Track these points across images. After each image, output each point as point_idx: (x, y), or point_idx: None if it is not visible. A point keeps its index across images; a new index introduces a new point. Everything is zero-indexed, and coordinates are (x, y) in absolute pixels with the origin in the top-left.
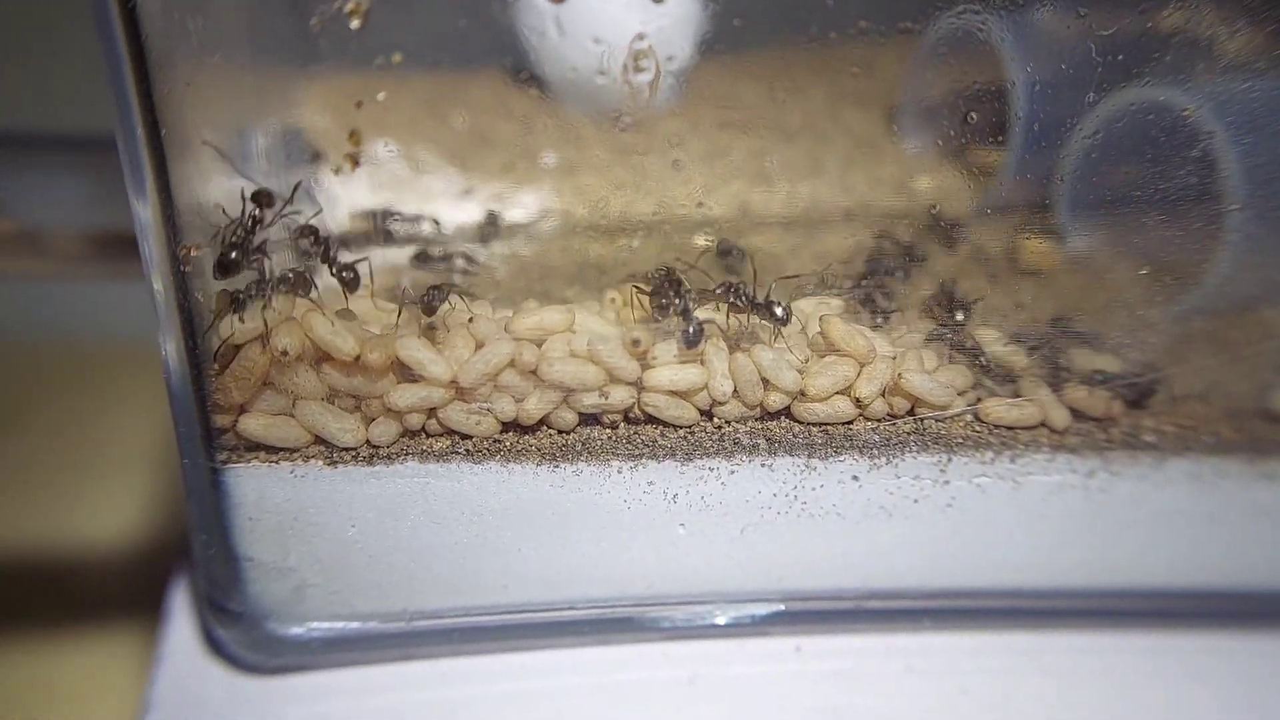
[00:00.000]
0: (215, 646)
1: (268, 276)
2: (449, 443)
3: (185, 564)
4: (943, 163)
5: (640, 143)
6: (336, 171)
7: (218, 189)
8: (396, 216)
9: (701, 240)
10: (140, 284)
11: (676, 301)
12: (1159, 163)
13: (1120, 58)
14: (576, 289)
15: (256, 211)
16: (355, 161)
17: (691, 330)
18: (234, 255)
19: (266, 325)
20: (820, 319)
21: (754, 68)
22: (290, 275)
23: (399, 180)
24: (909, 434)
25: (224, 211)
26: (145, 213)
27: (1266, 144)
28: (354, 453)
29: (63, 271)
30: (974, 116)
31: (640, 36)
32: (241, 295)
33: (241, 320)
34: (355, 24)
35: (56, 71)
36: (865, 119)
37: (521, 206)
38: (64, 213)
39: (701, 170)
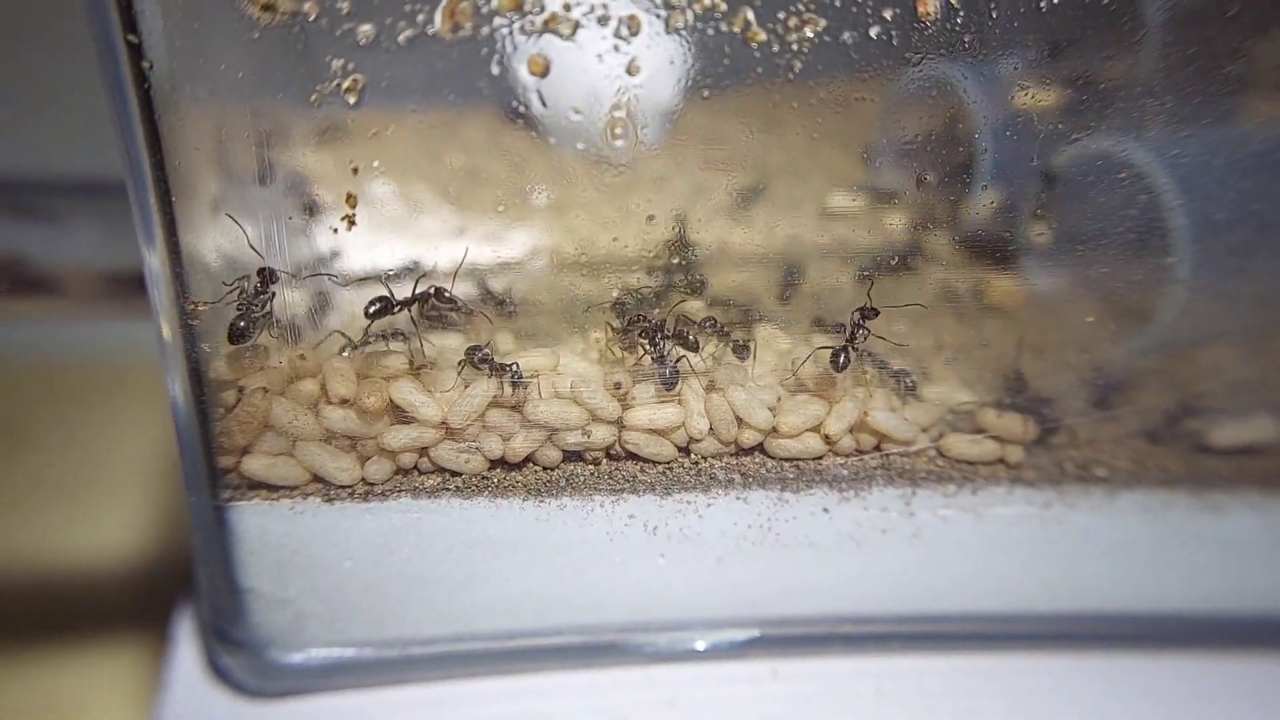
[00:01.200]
0: (219, 672)
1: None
2: (440, 479)
3: (189, 593)
4: (912, 201)
5: (625, 184)
6: (335, 231)
7: (223, 241)
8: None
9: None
10: (147, 320)
11: (650, 346)
12: (1108, 212)
13: (1065, 118)
14: (564, 325)
15: (261, 285)
16: (352, 222)
17: (668, 372)
18: (243, 324)
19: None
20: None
21: (736, 107)
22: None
23: (395, 221)
24: (876, 469)
25: (224, 283)
26: (155, 262)
27: (1205, 195)
28: (350, 490)
29: (74, 313)
30: (928, 177)
31: (617, 106)
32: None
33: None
34: (352, 100)
35: (65, 115)
36: (843, 158)
37: (511, 244)
38: (75, 255)
39: (683, 208)
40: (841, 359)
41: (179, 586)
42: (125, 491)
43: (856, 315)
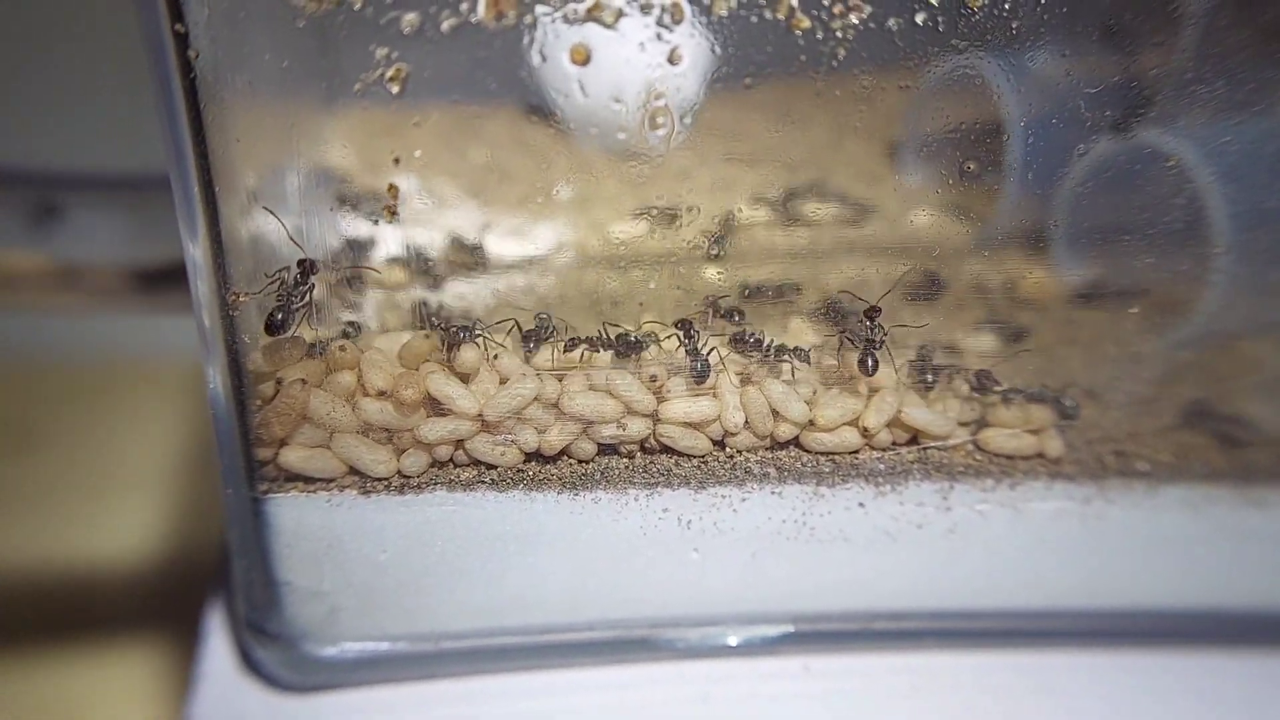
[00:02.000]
0: (253, 666)
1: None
2: (475, 472)
3: (219, 588)
4: (941, 200)
5: (652, 176)
6: (375, 222)
7: (263, 231)
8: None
9: (712, 274)
10: (171, 316)
11: (684, 339)
12: (1149, 206)
13: (1108, 108)
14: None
15: (301, 277)
16: (393, 212)
17: (699, 366)
18: (281, 316)
19: (328, 364)
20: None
21: (760, 100)
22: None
23: (420, 215)
24: (912, 463)
25: (265, 274)
26: (197, 253)
27: (1248, 190)
28: (386, 483)
29: (99, 306)
30: (971, 166)
31: (658, 95)
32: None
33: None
34: (395, 89)
35: (91, 113)
36: (867, 153)
37: (538, 239)
38: (100, 249)
39: (708, 204)
40: (870, 362)
41: (202, 582)
42: (144, 489)
43: (864, 317)
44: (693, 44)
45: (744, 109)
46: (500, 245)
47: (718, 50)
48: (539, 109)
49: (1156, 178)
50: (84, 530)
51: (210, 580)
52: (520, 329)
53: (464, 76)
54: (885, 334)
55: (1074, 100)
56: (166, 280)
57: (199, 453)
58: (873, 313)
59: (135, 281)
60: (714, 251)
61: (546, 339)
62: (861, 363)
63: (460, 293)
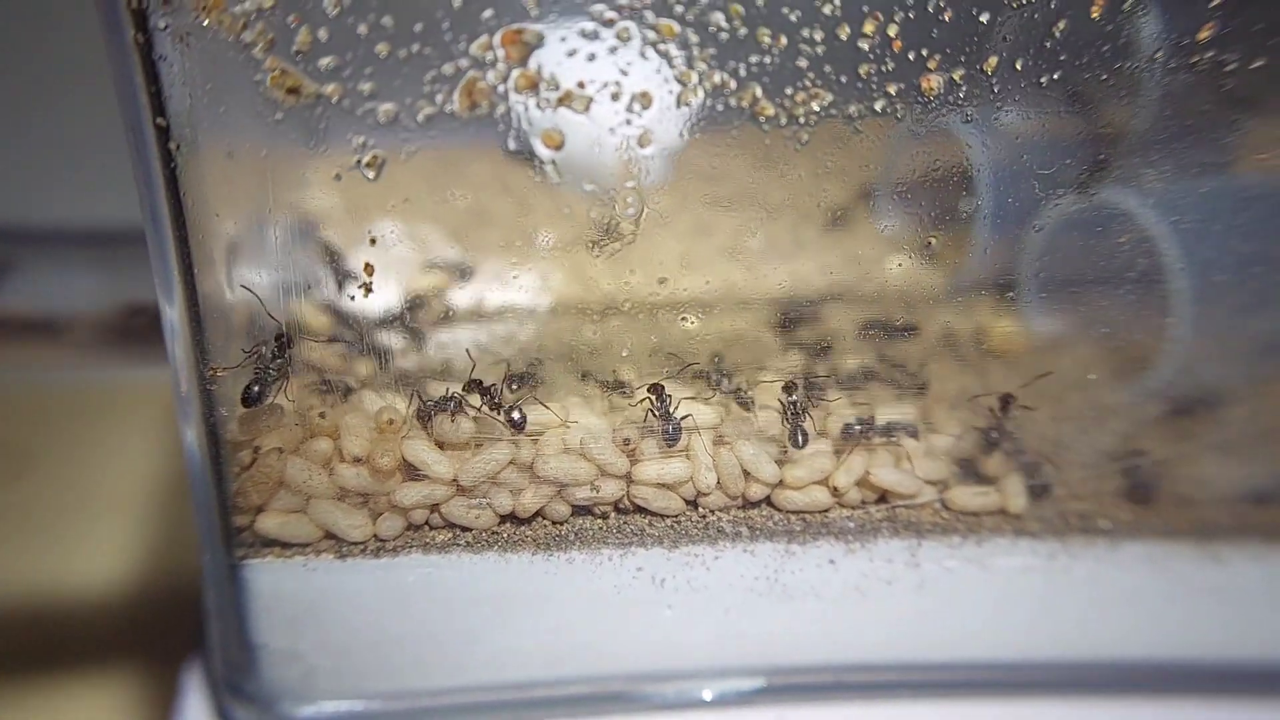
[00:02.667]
0: None
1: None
2: (450, 535)
3: (198, 645)
4: (912, 246)
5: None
6: (352, 299)
7: (241, 302)
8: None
9: (689, 324)
10: (143, 368)
11: (655, 402)
12: (1108, 263)
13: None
14: (569, 371)
15: (278, 350)
16: (369, 290)
17: (671, 429)
18: (257, 389)
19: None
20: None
21: (740, 143)
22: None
23: (404, 261)
24: (881, 521)
25: (242, 349)
26: (174, 317)
27: (1204, 256)
28: (362, 546)
29: (76, 360)
30: (932, 241)
31: (628, 177)
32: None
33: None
34: (371, 174)
35: (71, 165)
36: (844, 198)
37: (517, 288)
38: (79, 302)
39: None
40: (800, 439)
41: (183, 619)
42: (126, 514)
43: (786, 395)
44: (661, 129)
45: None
46: (481, 293)
47: (685, 135)
48: (519, 155)
49: (1116, 236)
50: (62, 556)
51: (190, 622)
52: (508, 373)
53: (440, 159)
54: (810, 405)
55: (1030, 175)
56: (136, 334)
57: (182, 479)
58: (791, 387)
59: (103, 334)
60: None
61: (535, 385)
62: (792, 438)
63: (441, 342)
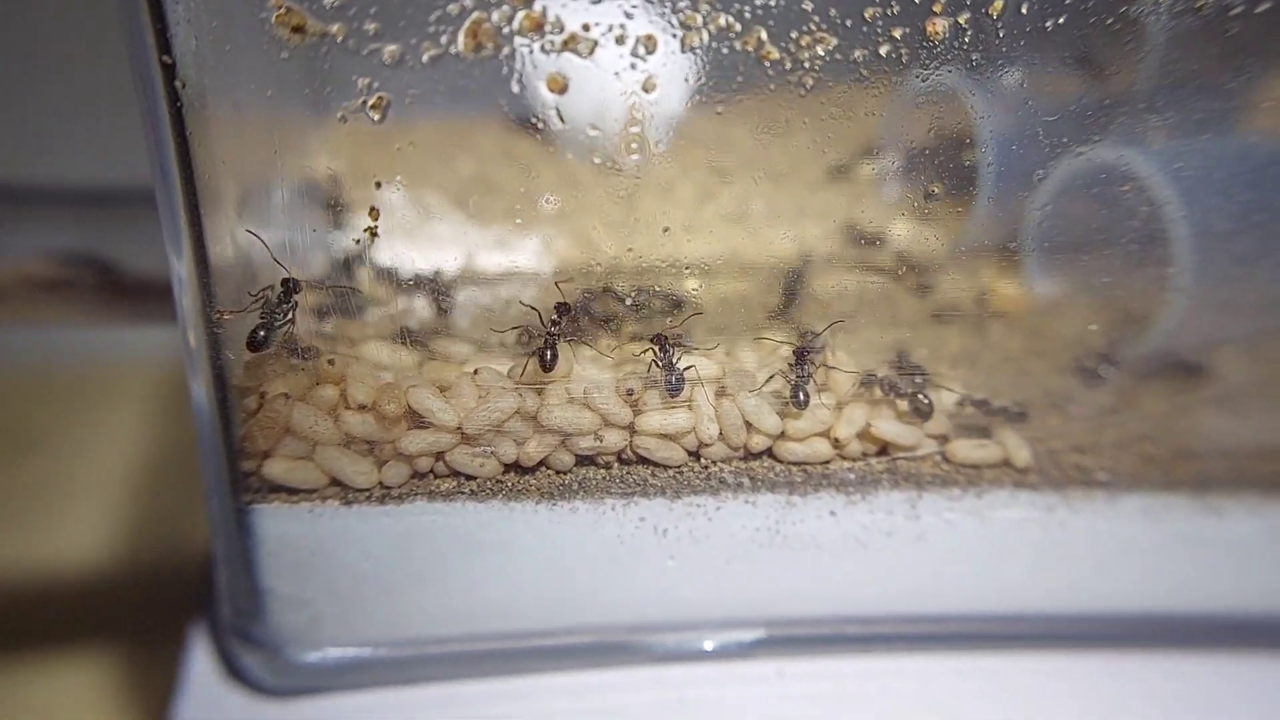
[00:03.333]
0: (237, 671)
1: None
2: (455, 483)
3: (204, 594)
4: (915, 211)
5: (635, 190)
6: (357, 243)
7: (248, 249)
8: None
9: (692, 285)
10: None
11: (659, 353)
12: (1109, 223)
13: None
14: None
15: (284, 295)
16: (374, 234)
17: (674, 380)
18: (263, 334)
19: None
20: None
21: (743, 112)
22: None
23: (413, 229)
24: (882, 473)
25: (249, 293)
26: (183, 270)
27: (1206, 206)
28: (368, 493)
29: (59, 316)
30: (935, 189)
31: (633, 122)
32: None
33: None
34: (376, 117)
35: (75, 126)
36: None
37: (524, 252)
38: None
39: (689, 216)
40: (801, 396)
41: (183, 587)
42: (126, 494)
43: (792, 355)
44: (666, 73)
45: (730, 123)
46: (486, 258)
47: (690, 79)
48: (526, 122)
49: (1117, 196)
50: (63, 535)
51: (194, 587)
52: (530, 333)
53: (445, 103)
54: (811, 370)
55: (1035, 123)
56: (137, 292)
57: (181, 458)
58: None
59: (104, 292)
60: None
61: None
62: (794, 397)
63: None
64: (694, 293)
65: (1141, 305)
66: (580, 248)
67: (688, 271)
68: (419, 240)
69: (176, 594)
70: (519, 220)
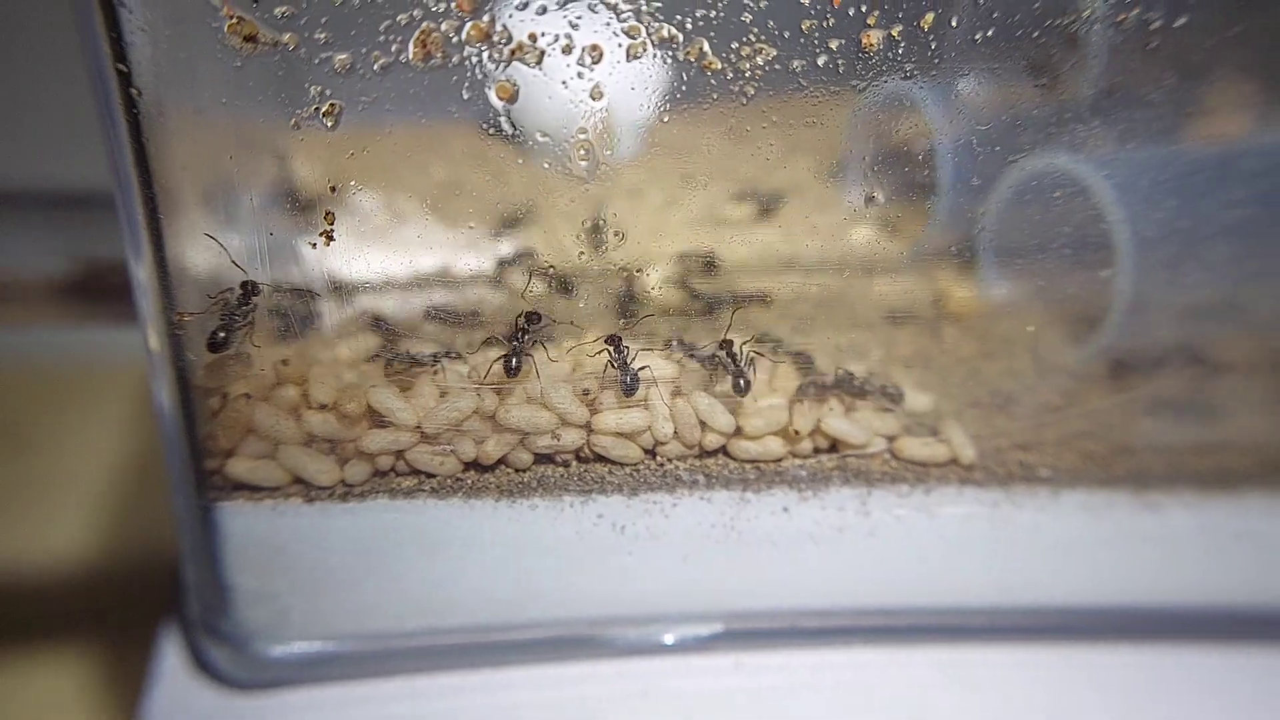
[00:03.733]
0: (204, 666)
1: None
2: (415, 481)
3: (174, 591)
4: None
5: (600, 195)
6: (313, 246)
7: (207, 255)
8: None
9: (655, 291)
10: (109, 326)
11: (614, 354)
12: (1057, 226)
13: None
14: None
15: (244, 298)
16: (330, 238)
17: (629, 380)
18: (223, 335)
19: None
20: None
21: (711, 119)
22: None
23: (373, 233)
24: (833, 470)
25: (208, 295)
26: (141, 273)
27: (1134, 212)
28: (330, 491)
29: (31, 318)
30: (877, 195)
31: (581, 130)
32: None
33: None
34: (329, 123)
35: (26, 127)
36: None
37: (483, 254)
38: (35, 263)
39: (642, 219)
40: (742, 386)
41: (150, 586)
42: (103, 494)
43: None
44: (613, 81)
45: (689, 129)
46: (450, 259)
47: (636, 88)
48: (479, 128)
49: (1059, 201)
50: (35, 534)
51: (165, 585)
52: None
53: (397, 110)
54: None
55: (973, 132)
56: (94, 292)
57: (152, 458)
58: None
59: (67, 295)
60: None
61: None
62: (734, 384)
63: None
64: (652, 291)
65: (1078, 309)
66: (543, 250)
67: (639, 274)
68: (376, 243)
69: (148, 592)
70: (471, 225)
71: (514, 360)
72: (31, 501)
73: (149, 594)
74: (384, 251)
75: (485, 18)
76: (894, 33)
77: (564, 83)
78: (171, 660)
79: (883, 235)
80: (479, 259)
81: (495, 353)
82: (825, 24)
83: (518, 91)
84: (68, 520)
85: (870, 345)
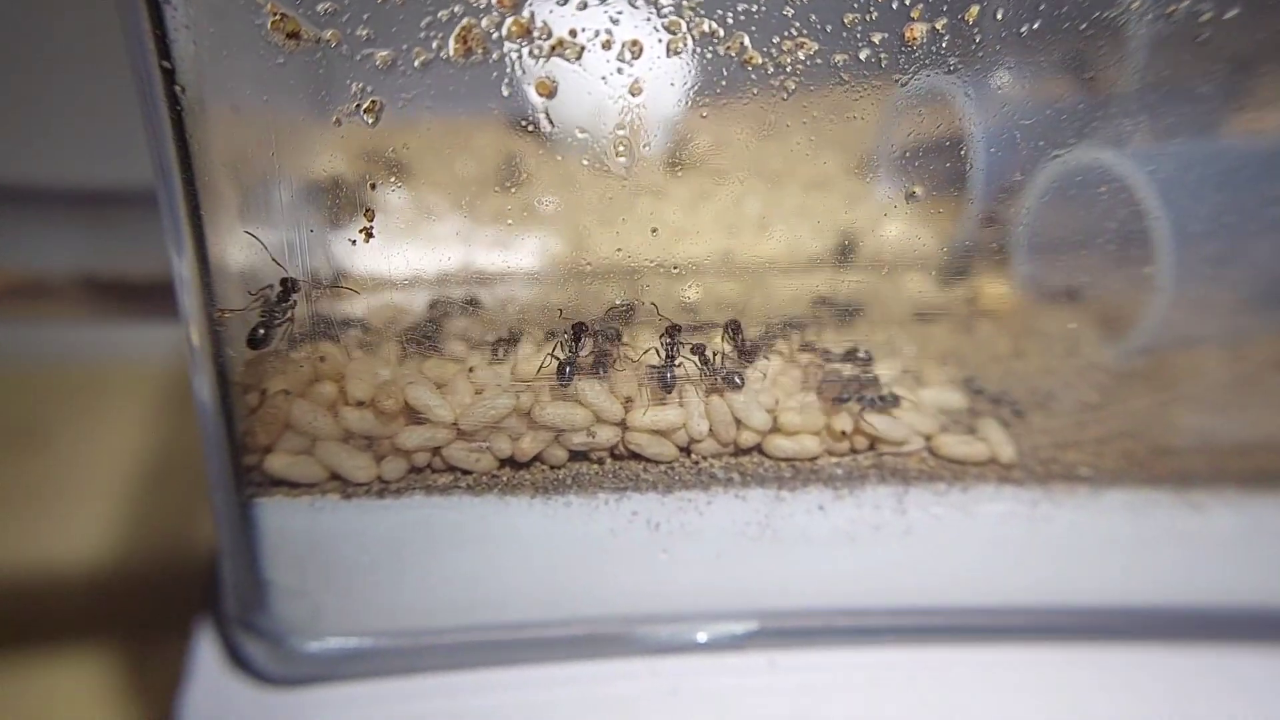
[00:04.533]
0: (240, 661)
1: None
2: (451, 478)
3: (209, 585)
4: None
5: (628, 193)
6: (353, 243)
7: (248, 251)
8: None
9: (691, 293)
10: (136, 324)
11: (665, 354)
12: (1094, 222)
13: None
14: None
15: (284, 295)
16: (369, 235)
17: (668, 377)
18: (263, 332)
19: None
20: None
21: (731, 116)
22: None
23: (409, 230)
24: (869, 468)
25: (249, 292)
26: (184, 269)
27: (1180, 208)
28: (366, 487)
29: (58, 315)
30: (917, 190)
31: (620, 126)
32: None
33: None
34: (370, 120)
35: (55, 125)
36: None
37: (518, 251)
38: (60, 260)
39: (680, 218)
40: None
41: (191, 581)
42: (129, 490)
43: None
44: (653, 77)
45: (723, 124)
46: (485, 258)
47: (676, 83)
48: (517, 124)
49: (1102, 196)
50: (69, 530)
51: (199, 580)
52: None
53: (437, 106)
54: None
55: (1014, 126)
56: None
57: (185, 454)
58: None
59: (93, 293)
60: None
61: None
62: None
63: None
64: (687, 294)
65: (1121, 305)
66: (573, 248)
67: (676, 272)
68: (416, 240)
69: (182, 587)
70: (510, 221)
71: (567, 370)
72: (67, 496)
73: (185, 589)
74: (423, 247)
75: (526, 13)
76: (938, 26)
77: (603, 78)
78: (207, 655)
79: (920, 229)
80: (517, 256)
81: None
82: (868, 17)
83: (556, 88)
84: (103, 515)
85: (903, 342)
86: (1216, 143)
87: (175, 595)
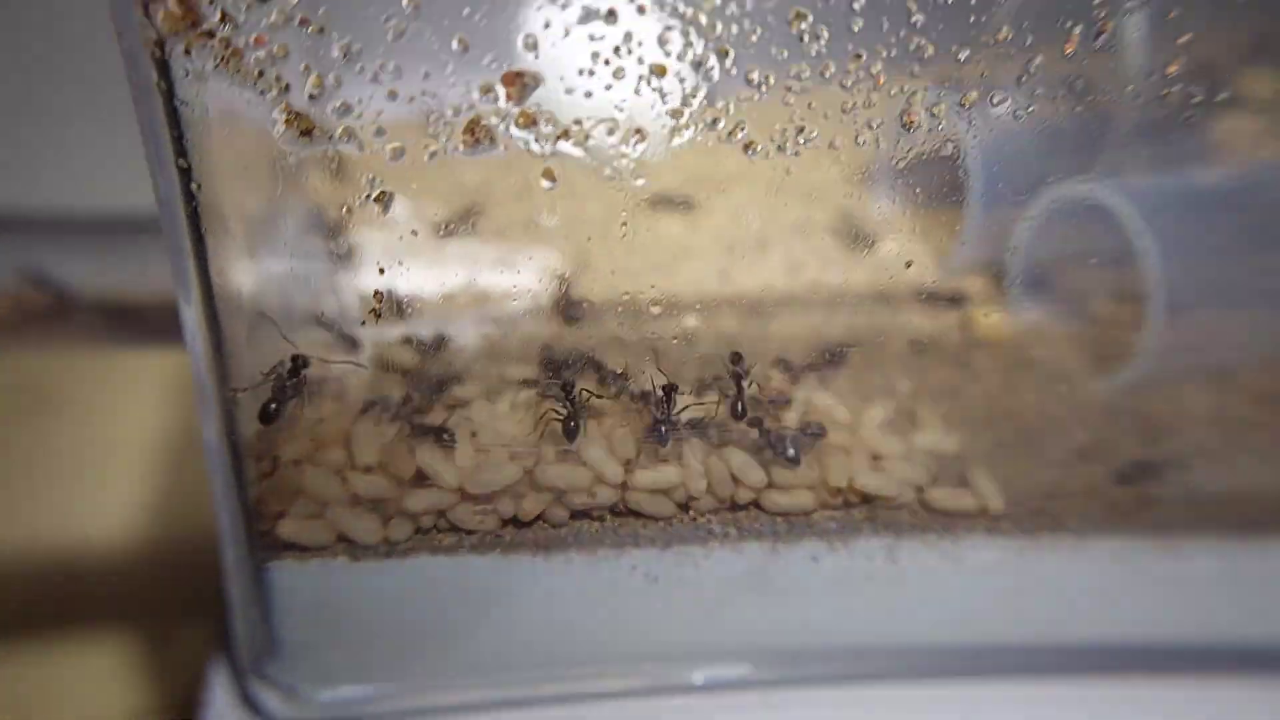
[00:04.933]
0: (253, 706)
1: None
2: (456, 538)
3: (222, 631)
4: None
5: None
6: (363, 324)
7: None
8: None
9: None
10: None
11: (665, 407)
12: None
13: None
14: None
15: (294, 371)
16: (378, 316)
17: (663, 431)
18: (275, 407)
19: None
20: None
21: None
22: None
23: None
24: (862, 521)
25: (261, 372)
26: (201, 365)
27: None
28: (374, 549)
29: (88, 342)
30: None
31: (622, 209)
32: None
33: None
34: (379, 210)
35: (83, 153)
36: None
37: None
38: (92, 287)
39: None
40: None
41: (185, 567)
42: (148, 473)
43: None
44: (654, 162)
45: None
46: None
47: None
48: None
49: (1099, 226)
50: (81, 509)
51: (209, 569)
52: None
53: (447, 192)
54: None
55: (1005, 154)
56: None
57: (192, 436)
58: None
59: (120, 318)
60: None
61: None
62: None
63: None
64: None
65: (1112, 337)
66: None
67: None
68: (425, 318)
69: (178, 574)
70: (516, 301)
71: (573, 423)
72: (72, 477)
73: (200, 578)
74: (429, 323)
75: (532, 104)
76: (937, 110)
77: (609, 164)
78: (221, 697)
79: (910, 261)
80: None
81: (544, 407)
82: (868, 104)
83: (561, 174)
84: (109, 501)
85: (896, 378)
86: (1208, 174)
87: (169, 583)
